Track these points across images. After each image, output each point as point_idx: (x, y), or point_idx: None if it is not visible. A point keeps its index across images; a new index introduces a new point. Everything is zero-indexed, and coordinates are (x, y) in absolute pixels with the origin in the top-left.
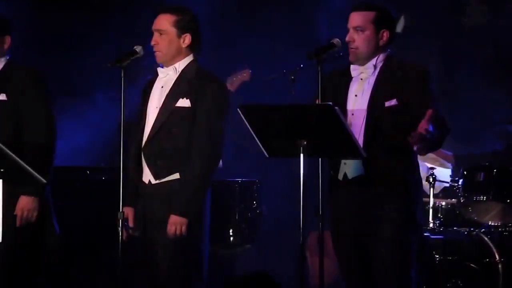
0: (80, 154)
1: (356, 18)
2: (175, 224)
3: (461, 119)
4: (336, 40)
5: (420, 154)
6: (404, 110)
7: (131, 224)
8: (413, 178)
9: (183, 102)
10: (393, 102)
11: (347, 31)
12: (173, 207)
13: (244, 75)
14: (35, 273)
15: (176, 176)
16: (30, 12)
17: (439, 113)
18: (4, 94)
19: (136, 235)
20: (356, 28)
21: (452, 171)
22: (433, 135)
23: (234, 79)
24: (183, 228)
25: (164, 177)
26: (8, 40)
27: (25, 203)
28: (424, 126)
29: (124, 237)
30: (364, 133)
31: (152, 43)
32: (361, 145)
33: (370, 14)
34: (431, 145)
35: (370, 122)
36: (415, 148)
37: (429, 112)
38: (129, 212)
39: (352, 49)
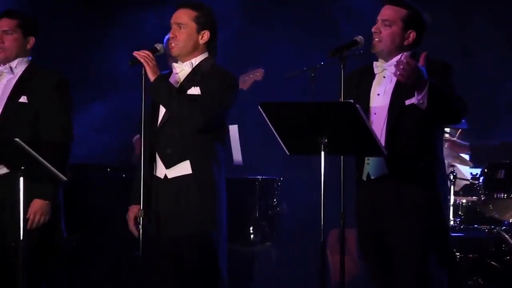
0: (100, 152)
1: (387, 12)
2: None
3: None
4: (359, 38)
5: (402, 81)
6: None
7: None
8: (438, 174)
9: (193, 90)
10: (414, 100)
11: (375, 22)
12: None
13: (257, 74)
14: (41, 274)
15: (188, 168)
16: (47, 8)
17: (454, 90)
18: (25, 97)
19: (151, 231)
20: (384, 21)
21: (470, 157)
22: (421, 72)
23: (247, 78)
24: None
25: (175, 164)
26: (32, 40)
27: (38, 206)
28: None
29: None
30: (386, 131)
31: (170, 35)
32: (383, 144)
33: (402, 11)
34: (417, 79)
35: (391, 120)
36: (397, 74)
37: (423, 54)
38: (137, 210)
39: (376, 41)
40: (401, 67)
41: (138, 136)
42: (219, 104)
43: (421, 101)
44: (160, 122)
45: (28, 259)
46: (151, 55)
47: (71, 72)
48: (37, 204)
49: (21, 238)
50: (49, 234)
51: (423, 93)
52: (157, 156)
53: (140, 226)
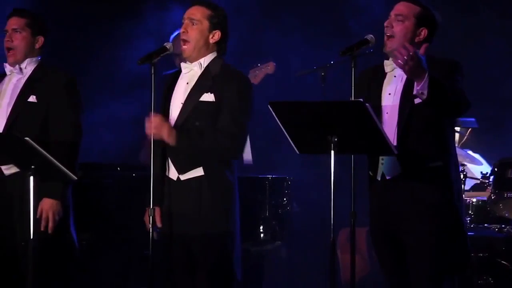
0: (110, 151)
1: (401, 7)
2: None
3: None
4: (370, 36)
5: (400, 67)
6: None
7: (159, 223)
8: (452, 173)
9: (207, 97)
10: (414, 91)
11: (387, 17)
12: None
13: (268, 68)
14: (51, 274)
15: (200, 171)
16: (57, 6)
17: (458, 85)
18: (35, 97)
19: (163, 231)
20: (397, 16)
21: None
22: (421, 61)
23: (257, 72)
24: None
25: (188, 171)
26: (40, 40)
27: (49, 205)
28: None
29: (154, 236)
30: (397, 131)
31: (182, 30)
32: (395, 143)
33: (416, 8)
34: (416, 67)
35: (402, 120)
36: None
37: (424, 45)
38: (157, 211)
39: (388, 36)
40: (401, 53)
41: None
42: (244, 125)
43: (420, 91)
44: (174, 126)
45: (38, 259)
46: (159, 122)
47: (84, 71)
48: (47, 203)
49: (31, 237)
50: (58, 234)
51: (423, 82)
52: (169, 158)
53: (151, 226)
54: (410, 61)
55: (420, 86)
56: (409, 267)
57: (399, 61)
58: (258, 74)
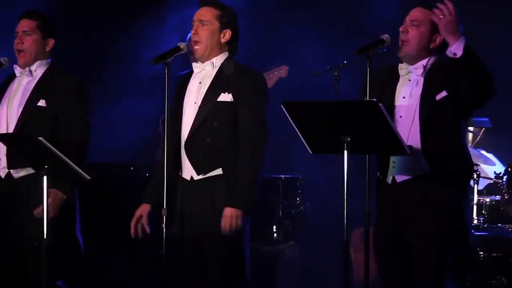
0: (123, 151)
1: (416, 13)
2: (231, 217)
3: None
4: (385, 36)
5: (437, 22)
6: (456, 101)
7: (145, 221)
8: (467, 174)
9: (225, 97)
10: (443, 93)
11: (403, 22)
12: (228, 199)
13: (281, 71)
14: (58, 274)
15: (219, 171)
16: (70, 6)
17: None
18: (44, 101)
19: (174, 231)
20: (413, 22)
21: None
22: (458, 22)
23: (271, 75)
24: (238, 220)
25: (207, 173)
26: (51, 43)
27: (57, 197)
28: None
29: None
30: (421, 131)
31: (192, 32)
32: (419, 142)
33: (431, 15)
34: (453, 23)
35: (423, 119)
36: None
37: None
38: (145, 208)
39: (403, 41)
40: (441, 7)
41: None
42: (266, 121)
43: (453, 52)
44: (192, 127)
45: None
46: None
47: (101, 71)
48: (56, 194)
49: (44, 237)
50: (64, 234)
51: (456, 43)
52: (184, 158)
53: (164, 225)
54: (448, 16)
55: (454, 46)
56: (414, 269)
57: (437, 14)
58: (271, 77)
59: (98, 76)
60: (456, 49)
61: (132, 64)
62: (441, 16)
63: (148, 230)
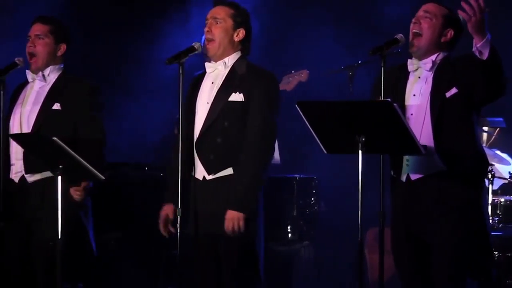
0: (138, 151)
1: (429, 6)
2: (232, 220)
3: None
4: (400, 36)
5: (466, 19)
6: (466, 97)
7: (170, 221)
8: (481, 173)
9: (236, 97)
10: (454, 90)
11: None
12: (230, 202)
13: (301, 75)
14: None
15: (230, 171)
16: (83, 7)
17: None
18: (59, 104)
19: (188, 231)
20: (426, 13)
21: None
22: (485, 19)
23: (291, 79)
24: (241, 223)
25: (218, 172)
26: (63, 48)
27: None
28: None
29: (167, 234)
30: (433, 129)
31: (206, 29)
32: (432, 141)
33: (443, 9)
34: (481, 21)
35: (433, 117)
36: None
37: None
38: (170, 208)
39: (414, 34)
40: (470, 4)
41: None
42: (275, 123)
43: (479, 49)
44: (203, 126)
45: (53, 259)
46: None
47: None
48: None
49: (59, 237)
50: (76, 235)
51: (483, 41)
52: (196, 158)
53: (178, 225)
54: (479, 14)
55: (480, 44)
56: (432, 268)
57: (468, 12)
58: (291, 81)
59: (116, 76)
60: (482, 47)
61: (151, 64)
62: (471, 15)
63: (173, 230)
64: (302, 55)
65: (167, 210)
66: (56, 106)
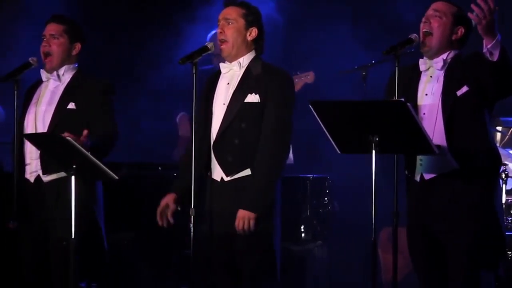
0: (151, 151)
1: (439, 5)
2: (243, 218)
3: None
4: (414, 36)
5: (476, 21)
6: (478, 95)
7: (170, 211)
8: (494, 172)
9: (252, 98)
10: (464, 89)
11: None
12: (242, 201)
13: (308, 77)
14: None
15: (248, 172)
16: (97, 7)
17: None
18: (74, 104)
19: (203, 231)
20: (436, 12)
21: None
22: (495, 20)
23: (297, 80)
24: (251, 222)
25: (236, 173)
26: (77, 47)
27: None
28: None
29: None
30: (445, 128)
31: (218, 31)
32: (445, 140)
33: (453, 7)
34: (491, 22)
35: (445, 116)
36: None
37: None
38: (170, 197)
39: (425, 33)
40: (480, 6)
41: (182, 113)
42: (290, 123)
43: (490, 50)
44: (220, 128)
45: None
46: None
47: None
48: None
49: (72, 237)
50: (93, 234)
51: (494, 41)
52: (213, 160)
53: (191, 225)
54: (489, 16)
55: (491, 45)
56: (448, 267)
57: (478, 14)
58: (297, 82)
59: (132, 76)
60: (493, 48)
61: (166, 64)
62: (482, 18)
63: (172, 221)
64: (316, 55)
65: (168, 199)
66: (71, 105)
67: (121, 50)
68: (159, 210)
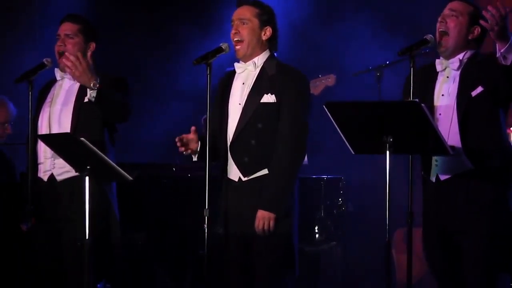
0: (165, 152)
1: (455, 4)
2: (263, 219)
3: None
4: (429, 36)
5: (488, 28)
6: (492, 96)
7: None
8: (507, 172)
9: (268, 98)
10: (479, 89)
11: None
12: (260, 202)
13: (328, 80)
14: (100, 273)
15: (265, 171)
16: (109, 8)
17: None
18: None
19: (219, 232)
20: (452, 11)
21: None
22: (507, 24)
23: (318, 83)
24: (271, 223)
25: (253, 174)
26: (92, 46)
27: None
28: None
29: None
30: (459, 128)
31: (233, 31)
32: (459, 140)
33: (469, 7)
34: (503, 28)
35: (460, 117)
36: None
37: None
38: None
39: (441, 32)
40: (491, 12)
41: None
42: (306, 124)
43: (503, 54)
44: (237, 128)
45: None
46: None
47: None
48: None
49: (86, 237)
50: (105, 235)
51: (507, 46)
52: (230, 160)
53: (205, 225)
54: (501, 22)
55: (504, 49)
56: (463, 268)
57: (490, 21)
58: (318, 85)
59: (142, 76)
60: (506, 52)
61: (178, 64)
62: (494, 25)
63: (187, 152)
64: (330, 56)
65: (193, 134)
66: (87, 98)
67: (132, 53)
68: (178, 137)
